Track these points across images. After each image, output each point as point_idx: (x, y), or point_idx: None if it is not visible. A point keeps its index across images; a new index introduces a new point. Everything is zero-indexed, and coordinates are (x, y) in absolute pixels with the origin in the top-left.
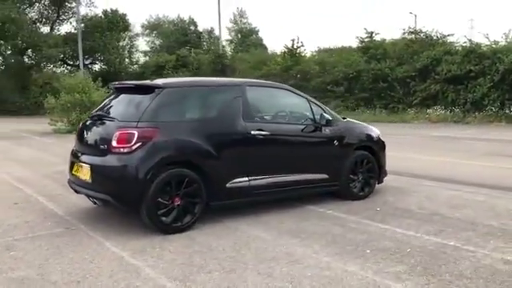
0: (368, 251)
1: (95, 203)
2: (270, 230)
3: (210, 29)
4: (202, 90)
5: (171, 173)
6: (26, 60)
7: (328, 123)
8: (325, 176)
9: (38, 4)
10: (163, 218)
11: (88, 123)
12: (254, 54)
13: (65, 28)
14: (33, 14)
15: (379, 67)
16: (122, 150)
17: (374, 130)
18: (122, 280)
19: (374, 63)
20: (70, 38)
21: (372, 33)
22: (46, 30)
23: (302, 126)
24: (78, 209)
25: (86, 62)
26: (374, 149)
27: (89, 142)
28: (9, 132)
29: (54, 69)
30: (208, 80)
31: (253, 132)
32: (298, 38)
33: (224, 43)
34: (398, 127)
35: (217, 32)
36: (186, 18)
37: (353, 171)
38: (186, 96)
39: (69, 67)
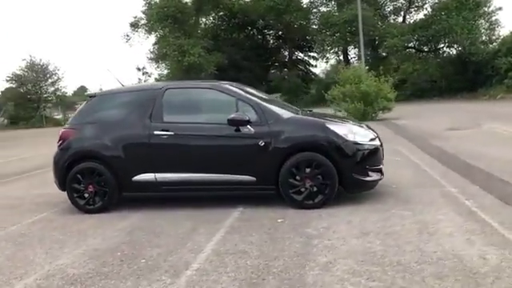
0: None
1: None
2: (130, 225)
3: None
4: (120, 95)
5: (83, 165)
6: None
7: (242, 123)
8: (251, 178)
9: None
10: (78, 200)
11: None
12: None
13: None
14: (390, 7)
15: None
16: (57, 146)
17: (339, 129)
18: None
19: None
20: (419, 25)
21: None
22: (400, 20)
23: (217, 126)
24: None
25: (439, 46)
26: (329, 151)
27: None
28: None
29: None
30: (131, 86)
31: (156, 132)
32: None
33: None
34: None
35: None
36: None
37: (296, 176)
38: (107, 102)
39: (424, 53)
